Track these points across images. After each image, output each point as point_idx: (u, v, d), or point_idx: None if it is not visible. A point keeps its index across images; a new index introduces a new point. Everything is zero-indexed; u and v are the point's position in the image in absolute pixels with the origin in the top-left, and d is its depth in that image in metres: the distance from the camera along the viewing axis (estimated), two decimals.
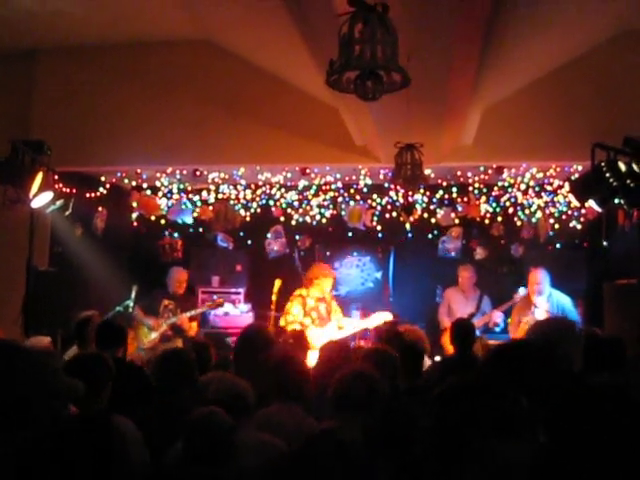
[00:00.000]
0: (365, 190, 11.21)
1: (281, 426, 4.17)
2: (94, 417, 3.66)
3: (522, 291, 9.66)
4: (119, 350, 6.14)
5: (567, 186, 9.32)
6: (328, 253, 11.47)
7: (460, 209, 11.21)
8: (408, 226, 11.10)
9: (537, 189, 10.79)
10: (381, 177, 10.49)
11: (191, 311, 9.45)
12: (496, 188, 10.94)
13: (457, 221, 11.27)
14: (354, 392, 4.09)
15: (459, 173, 10.57)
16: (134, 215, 11.54)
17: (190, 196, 11.45)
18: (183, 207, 11.52)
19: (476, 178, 10.72)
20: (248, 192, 11.32)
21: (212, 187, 11.26)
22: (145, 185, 11.32)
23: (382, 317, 8.74)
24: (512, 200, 10.94)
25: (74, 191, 9.70)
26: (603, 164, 6.16)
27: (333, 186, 11.22)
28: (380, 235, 11.38)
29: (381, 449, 3.32)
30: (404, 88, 4.12)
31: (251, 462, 3.58)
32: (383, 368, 4.86)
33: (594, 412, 2.74)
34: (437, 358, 8.15)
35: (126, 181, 11.06)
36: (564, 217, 10.79)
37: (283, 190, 11.29)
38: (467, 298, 10.13)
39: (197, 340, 7.98)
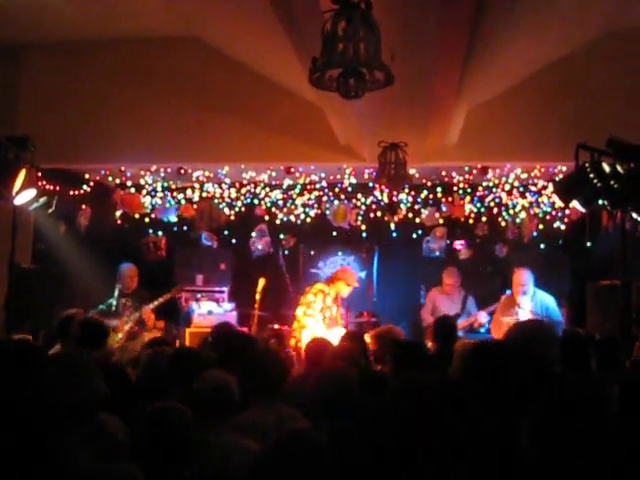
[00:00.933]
0: (350, 189, 11.21)
1: (258, 428, 4.13)
2: None
3: (510, 293, 9.69)
4: (102, 349, 6.10)
5: (551, 187, 9.34)
6: (312, 252, 11.45)
7: (444, 209, 11.21)
8: (392, 226, 11.10)
9: (521, 189, 10.82)
10: (366, 176, 10.51)
11: (154, 302, 9.27)
12: (480, 188, 10.97)
13: (441, 221, 11.27)
14: (328, 393, 4.12)
15: (444, 173, 10.60)
16: (118, 213, 11.49)
17: (174, 194, 11.42)
18: (168, 205, 11.49)
19: (460, 178, 10.75)
20: (232, 191, 11.30)
21: (196, 185, 11.24)
22: (129, 183, 11.28)
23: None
24: (496, 200, 10.96)
25: (58, 188, 9.67)
26: (587, 165, 6.18)
27: (318, 185, 11.22)
28: (364, 235, 11.37)
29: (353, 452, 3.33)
30: (387, 86, 4.11)
31: (222, 464, 3.55)
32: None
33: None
34: None
35: (110, 179, 11.03)
36: (548, 217, 10.82)
37: (268, 189, 11.29)
38: (452, 300, 10.13)
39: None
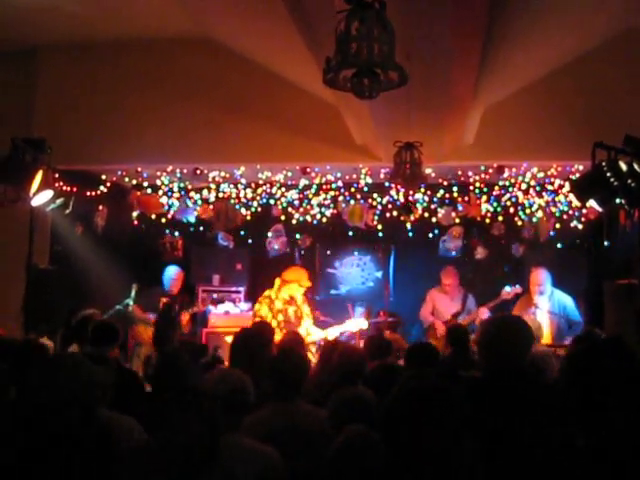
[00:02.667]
0: (366, 189, 11.18)
1: (272, 431, 4.12)
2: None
3: (509, 289, 9.69)
4: (113, 349, 6.09)
5: (568, 186, 9.30)
6: (329, 252, 11.45)
7: (461, 208, 11.17)
8: (409, 225, 11.08)
9: (538, 189, 10.76)
10: (382, 176, 10.48)
11: (193, 308, 9.81)
12: (497, 187, 10.92)
13: (458, 220, 11.24)
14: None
15: (460, 172, 10.56)
16: (134, 214, 11.53)
17: (191, 195, 11.44)
18: (185, 206, 11.51)
19: (477, 177, 10.71)
20: (249, 191, 11.30)
21: (213, 186, 11.25)
22: (145, 184, 11.31)
23: (357, 324, 8.79)
24: (513, 200, 10.91)
25: (74, 189, 9.70)
26: (604, 164, 6.15)
27: (333, 185, 11.20)
28: (381, 234, 11.35)
29: None
30: (401, 86, 4.10)
31: (239, 469, 3.54)
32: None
33: None
34: None
35: (127, 180, 11.06)
36: (565, 217, 10.75)
37: (284, 189, 11.28)
38: (452, 299, 10.15)
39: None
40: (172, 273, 10.12)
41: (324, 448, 3.62)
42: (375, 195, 11.22)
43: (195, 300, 10.22)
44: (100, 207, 11.09)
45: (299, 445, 4.06)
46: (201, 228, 11.68)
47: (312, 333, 8.58)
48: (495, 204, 11.01)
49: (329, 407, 4.18)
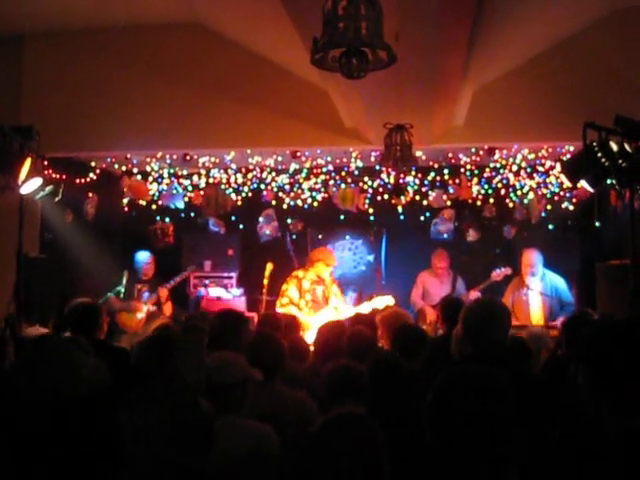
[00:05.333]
0: (356, 173, 11.18)
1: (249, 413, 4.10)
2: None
3: (499, 271, 9.69)
4: (97, 333, 5.98)
5: (559, 167, 9.29)
6: (320, 236, 11.43)
7: (452, 191, 11.18)
8: (400, 208, 11.06)
9: (529, 170, 10.77)
10: (372, 159, 10.44)
11: (170, 282, 9.66)
12: (488, 169, 10.92)
13: (449, 203, 11.25)
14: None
15: (450, 155, 10.56)
16: (125, 200, 11.50)
17: (181, 181, 11.42)
18: (174, 192, 11.48)
19: (467, 160, 10.69)
20: (239, 176, 11.29)
21: (203, 171, 11.23)
22: (135, 170, 11.28)
23: (384, 301, 8.67)
24: (504, 181, 10.92)
25: (64, 177, 9.64)
26: (595, 144, 6.13)
27: (324, 169, 11.19)
28: (372, 218, 11.34)
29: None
30: (390, 66, 4.06)
31: (236, 447, 3.53)
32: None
33: None
34: None
35: (116, 166, 11.02)
36: (556, 198, 10.77)
37: (274, 174, 11.27)
38: (442, 282, 10.13)
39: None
40: (144, 258, 9.91)
41: (301, 430, 3.62)
42: (366, 178, 11.22)
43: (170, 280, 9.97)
44: (90, 194, 11.05)
45: (276, 427, 4.02)
46: (192, 214, 11.66)
47: (341, 311, 8.61)
48: (486, 186, 11.01)
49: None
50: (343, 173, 11.24)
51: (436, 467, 2.52)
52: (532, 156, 10.30)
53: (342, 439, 2.67)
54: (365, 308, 8.56)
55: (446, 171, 11.07)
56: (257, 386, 4.20)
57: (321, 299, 8.79)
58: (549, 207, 10.84)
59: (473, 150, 10.24)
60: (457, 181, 11.11)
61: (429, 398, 2.59)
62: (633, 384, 2.76)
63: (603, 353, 2.86)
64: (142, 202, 11.48)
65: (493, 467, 2.47)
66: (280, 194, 11.36)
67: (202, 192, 11.48)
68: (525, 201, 10.96)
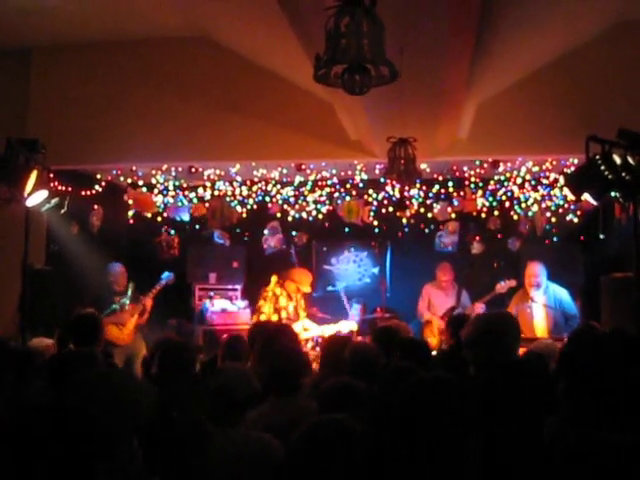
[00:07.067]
0: (361, 185, 11.20)
1: (270, 426, 4.11)
2: None
3: (503, 283, 9.70)
4: (97, 345, 5.98)
5: (562, 180, 9.29)
6: (325, 249, 11.47)
7: (456, 203, 11.20)
8: (405, 221, 11.08)
9: (533, 183, 10.79)
10: (377, 172, 10.47)
11: (152, 290, 9.43)
12: (492, 182, 10.94)
13: (453, 215, 11.26)
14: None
15: (455, 167, 10.59)
16: (130, 213, 11.53)
17: (186, 193, 11.45)
18: (180, 204, 11.52)
19: (472, 172, 10.72)
20: (244, 188, 11.32)
21: (208, 184, 11.26)
22: (141, 182, 11.30)
23: (347, 326, 8.95)
24: (508, 194, 10.93)
25: (69, 189, 9.66)
26: (598, 157, 6.13)
27: (329, 182, 11.21)
28: (377, 230, 11.36)
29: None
30: (392, 82, 4.09)
31: (235, 454, 3.55)
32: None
33: None
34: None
35: (122, 179, 11.05)
36: (560, 210, 10.78)
37: (279, 186, 11.30)
38: (447, 294, 10.16)
39: None
40: (116, 269, 9.58)
41: None
42: (370, 191, 11.25)
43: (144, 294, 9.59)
44: (95, 206, 11.08)
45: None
46: (197, 226, 11.69)
47: (309, 329, 8.67)
48: (491, 199, 11.03)
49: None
50: (348, 186, 11.26)
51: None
52: (536, 169, 10.31)
53: (317, 442, 2.70)
54: (329, 330, 8.71)
55: (450, 184, 11.09)
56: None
57: (294, 315, 8.95)
58: (553, 219, 10.84)
59: (477, 163, 10.27)
60: (462, 194, 11.13)
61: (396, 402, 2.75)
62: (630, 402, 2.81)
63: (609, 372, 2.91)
64: (147, 214, 11.50)
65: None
66: (285, 206, 11.39)
67: (207, 204, 11.51)
68: (529, 214, 10.98)
